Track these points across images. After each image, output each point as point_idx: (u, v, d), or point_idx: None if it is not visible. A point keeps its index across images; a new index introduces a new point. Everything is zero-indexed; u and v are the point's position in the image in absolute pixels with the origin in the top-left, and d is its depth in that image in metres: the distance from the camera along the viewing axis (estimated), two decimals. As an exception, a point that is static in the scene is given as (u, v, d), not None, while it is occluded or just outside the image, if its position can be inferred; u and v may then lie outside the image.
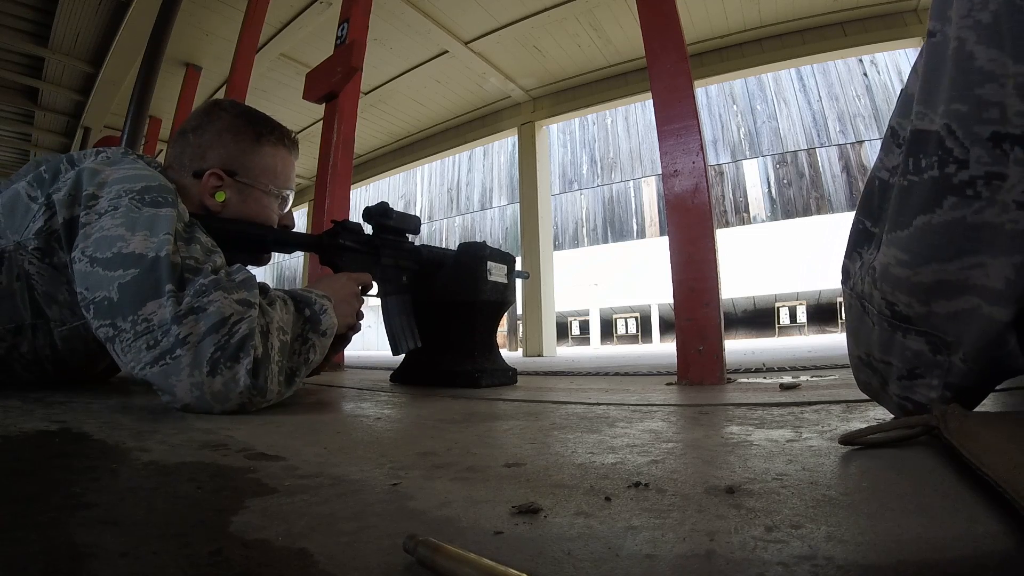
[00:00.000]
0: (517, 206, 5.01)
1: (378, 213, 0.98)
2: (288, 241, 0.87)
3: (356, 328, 0.86)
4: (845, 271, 0.49)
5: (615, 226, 10.94)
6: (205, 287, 0.60)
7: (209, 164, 0.78)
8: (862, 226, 0.46)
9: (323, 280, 0.84)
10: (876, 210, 0.44)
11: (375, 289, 0.96)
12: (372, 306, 1.06)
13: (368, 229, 0.99)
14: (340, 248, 0.92)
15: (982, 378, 0.39)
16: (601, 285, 11.39)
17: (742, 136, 9.92)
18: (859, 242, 0.46)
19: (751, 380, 1.13)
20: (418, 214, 3.64)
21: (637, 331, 12.88)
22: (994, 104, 0.32)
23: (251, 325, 0.60)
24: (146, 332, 0.58)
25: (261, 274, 0.79)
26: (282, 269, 12.52)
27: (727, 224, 9.69)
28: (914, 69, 0.40)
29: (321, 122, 2.08)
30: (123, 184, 0.66)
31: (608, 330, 13.02)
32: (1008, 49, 0.31)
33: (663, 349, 5.84)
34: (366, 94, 3.92)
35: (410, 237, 1.05)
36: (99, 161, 0.72)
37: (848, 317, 0.49)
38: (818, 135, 9.29)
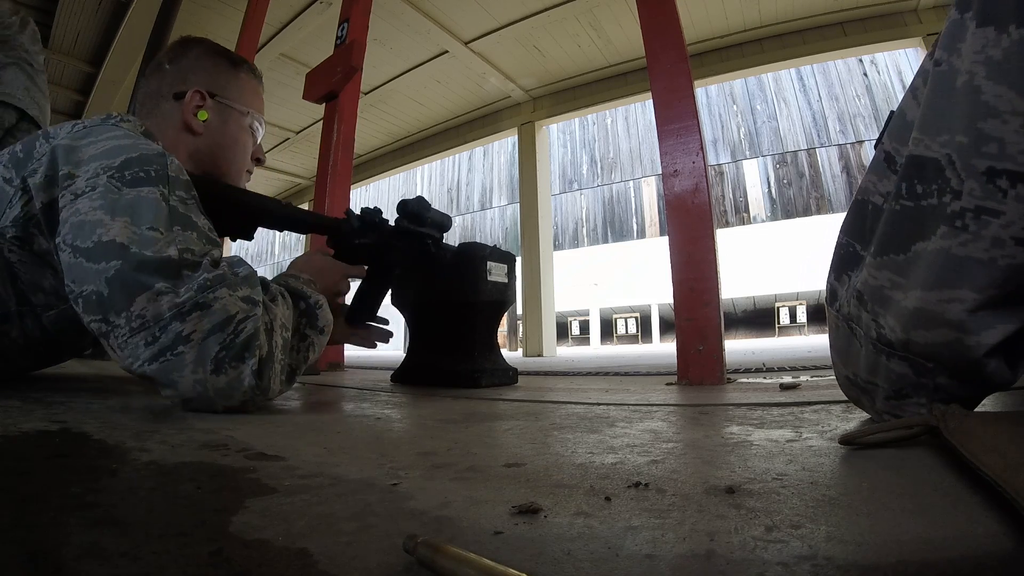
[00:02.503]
0: (517, 206, 5.02)
1: (410, 214, 0.94)
2: (302, 219, 0.85)
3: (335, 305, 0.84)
4: (832, 293, 0.49)
5: (615, 226, 10.94)
6: (209, 282, 0.57)
7: (190, 86, 0.80)
8: (852, 249, 0.46)
9: (305, 265, 0.80)
10: (868, 234, 0.44)
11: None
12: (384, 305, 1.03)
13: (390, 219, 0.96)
14: (355, 247, 0.89)
15: (970, 392, 0.40)
16: (601, 285, 11.39)
17: (742, 136, 9.92)
18: (848, 264, 0.47)
19: (751, 380, 1.13)
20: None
21: (637, 331, 12.87)
22: (994, 139, 0.32)
23: (256, 324, 0.59)
24: (142, 328, 0.56)
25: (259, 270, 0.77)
26: (281, 265, 12.51)
27: (727, 224, 9.69)
28: (912, 93, 0.40)
29: (321, 122, 2.08)
30: (101, 160, 0.62)
31: (608, 330, 13.02)
32: (1016, 86, 0.32)
33: (663, 349, 5.84)
34: (366, 94, 3.92)
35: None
36: (74, 134, 0.67)
37: (834, 337, 0.49)
38: (818, 135, 9.29)
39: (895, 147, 0.42)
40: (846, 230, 0.47)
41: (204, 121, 0.80)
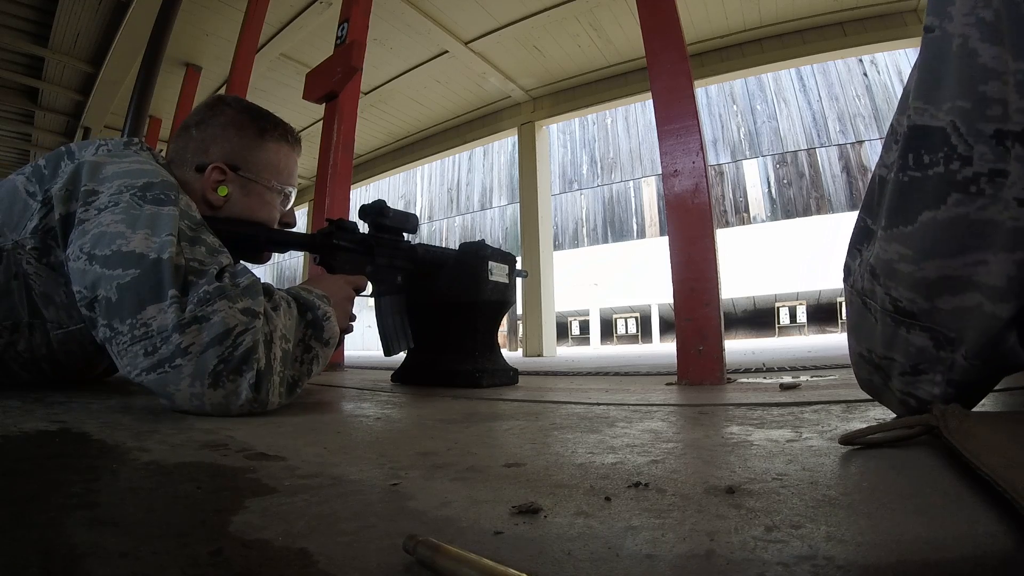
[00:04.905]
0: (517, 206, 5.01)
1: (374, 211, 0.97)
2: (281, 240, 0.85)
3: (348, 330, 0.85)
4: (847, 268, 0.49)
5: (615, 226, 10.94)
6: (209, 295, 0.58)
7: (212, 158, 0.77)
8: (863, 224, 0.46)
9: (319, 282, 0.81)
10: (876, 207, 0.44)
11: (369, 289, 0.95)
12: (371, 306, 1.05)
13: (364, 227, 0.98)
14: (334, 248, 0.90)
15: (984, 374, 0.39)
16: (601, 285, 11.39)
17: (742, 136, 9.91)
18: (860, 239, 0.47)
19: (751, 380, 1.13)
20: (418, 214, 3.63)
21: (637, 331, 12.88)
22: (997, 101, 0.32)
23: (255, 337, 0.59)
24: (144, 337, 0.56)
25: (261, 274, 0.76)
26: (282, 269, 12.51)
27: (727, 224, 9.68)
28: (914, 67, 0.40)
29: (321, 122, 2.08)
30: (124, 179, 0.65)
31: (608, 330, 13.02)
32: (1009, 46, 0.31)
33: (663, 349, 5.84)
34: (366, 94, 3.92)
35: (407, 236, 1.04)
36: (99, 154, 0.71)
37: (849, 314, 0.49)
38: (818, 135, 9.29)
39: (898, 119, 0.41)
40: (862, 206, 0.47)
41: (225, 195, 0.78)
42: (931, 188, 0.36)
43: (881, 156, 0.44)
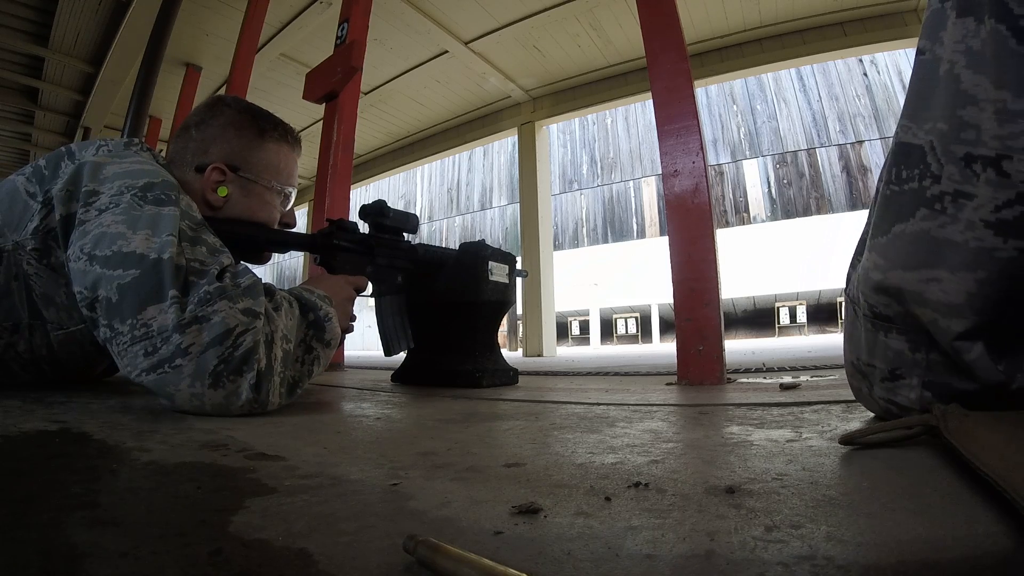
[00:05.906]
0: (517, 206, 5.01)
1: (374, 212, 0.97)
2: (281, 240, 0.84)
3: (349, 331, 0.85)
4: (847, 278, 0.50)
5: (615, 226, 10.94)
6: (210, 295, 0.58)
7: (212, 159, 0.77)
8: (865, 236, 0.48)
9: (320, 282, 0.81)
10: (870, 219, 0.46)
11: (369, 289, 0.95)
12: (371, 306, 1.05)
13: (364, 227, 0.98)
14: (335, 248, 0.90)
15: (960, 380, 0.39)
16: (601, 285, 11.40)
17: (742, 136, 9.91)
18: (860, 250, 0.48)
19: (751, 380, 1.13)
20: (418, 214, 3.63)
21: (637, 331, 12.88)
22: (972, 126, 0.34)
23: (256, 337, 0.59)
24: (144, 338, 0.56)
25: (261, 274, 0.76)
26: (282, 269, 12.52)
27: (727, 224, 9.68)
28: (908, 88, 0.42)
29: (321, 122, 2.08)
30: (125, 180, 0.65)
31: (608, 330, 13.02)
32: (990, 75, 0.33)
33: (663, 349, 5.84)
34: (366, 94, 3.92)
35: (407, 236, 1.04)
36: (100, 155, 0.70)
37: (845, 323, 0.51)
38: (818, 135, 9.29)
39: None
40: (867, 220, 0.49)
41: (225, 196, 0.77)
42: (905, 202, 0.38)
43: (882, 172, 0.46)
